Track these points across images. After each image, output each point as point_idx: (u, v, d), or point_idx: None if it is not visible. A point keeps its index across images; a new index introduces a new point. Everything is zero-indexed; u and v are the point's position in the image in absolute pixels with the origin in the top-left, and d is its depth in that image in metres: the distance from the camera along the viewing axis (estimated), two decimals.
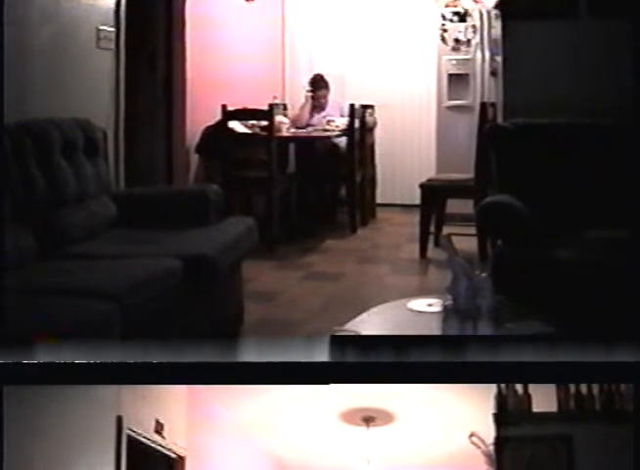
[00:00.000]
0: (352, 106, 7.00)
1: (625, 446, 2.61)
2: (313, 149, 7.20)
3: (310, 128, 7.35)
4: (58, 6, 4.39)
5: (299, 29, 8.55)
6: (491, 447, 3.09)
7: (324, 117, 7.48)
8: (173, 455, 3.15)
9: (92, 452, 2.62)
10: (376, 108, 7.80)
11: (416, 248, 5.96)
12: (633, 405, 2.79)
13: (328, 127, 7.19)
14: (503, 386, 3.00)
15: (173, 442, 3.13)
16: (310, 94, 7.63)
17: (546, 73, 4.69)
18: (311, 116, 7.56)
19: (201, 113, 6.30)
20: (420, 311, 3.04)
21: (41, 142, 3.79)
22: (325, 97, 7.61)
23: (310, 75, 7.88)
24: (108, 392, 2.69)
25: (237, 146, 6.37)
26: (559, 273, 3.62)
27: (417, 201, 6.17)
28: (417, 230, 5.99)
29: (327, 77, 7.70)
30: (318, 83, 7.64)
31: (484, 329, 2.81)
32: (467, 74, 7.69)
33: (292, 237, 6.59)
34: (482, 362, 2.49)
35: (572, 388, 2.98)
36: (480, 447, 3.22)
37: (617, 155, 4.18)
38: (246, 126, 6.49)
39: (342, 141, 7.11)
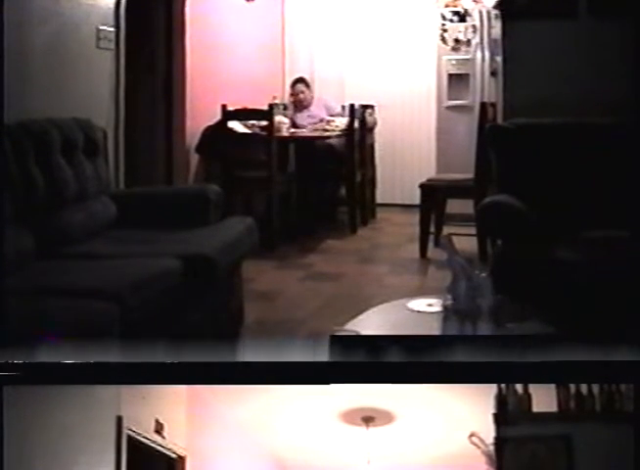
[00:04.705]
0: (352, 106, 7.00)
1: (625, 446, 2.61)
2: (313, 149, 7.20)
3: (305, 130, 7.36)
4: (58, 6, 4.39)
5: (299, 29, 8.55)
6: (491, 447, 3.09)
7: (309, 115, 7.51)
8: (173, 455, 3.15)
9: (92, 452, 2.62)
10: (376, 108, 7.80)
11: (416, 248, 5.96)
12: (633, 405, 2.79)
13: (328, 127, 7.19)
14: (503, 386, 3.00)
15: (173, 442, 3.13)
16: (290, 91, 7.72)
17: (546, 73, 4.69)
18: (294, 114, 7.59)
19: (201, 113, 6.30)
20: (420, 311, 3.04)
21: (41, 142, 3.79)
22: (303, 92, 7.66)
23: (309, 76, 7.94)
24: (108, 392, 2.69)
25: (237, 146, 6.37)
26: (559, 273, 3.61)
27: (417, 201, 6.16)
28: (417, 230, 5.99)
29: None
30: (296, 81, 7.78)
31: (484, 329, 2.81)
32: (467, 74, 7.70)
33: (292, 237, 6.59)
34: (482, 362, 2.49)
35: (572, 388, 2.98)
36: (480, 447, 3.22)
37: (618, 154, 4.18)
38: (246, 126, 6.49)
39: (339, 141, 7.12)
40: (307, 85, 7.75)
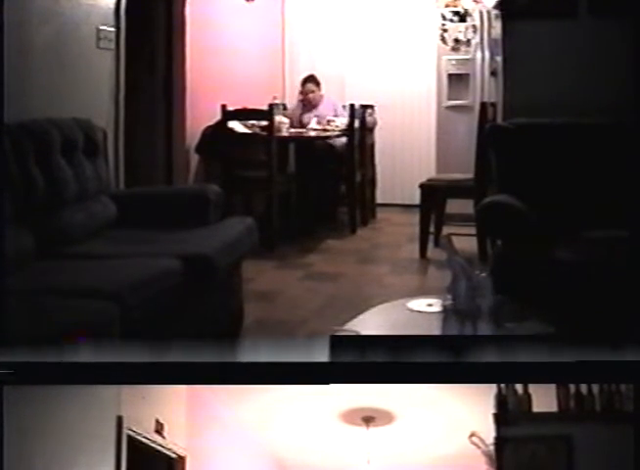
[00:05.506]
0: (352, 106, 7.00)
1: (625, 446, 2.61)
2: (313, 149, 7.19)
3: (310, 129, 7.35)
4: (58, 6, 4.39)
5: (299, 29, 8.55)
6: (491, 447, 3.09)
7: (316, 115, 7.49)
8: (173, 455, 3.15)
9: (92, 452, 2.62)
10: (376, 108, 7.80)
11: (416, 248, 5.96)
12: (633, 405, 2.79)
13: (328, 127, 7.19)
14: (503, 386, 3.00)
15: (173, 442, 3.13)
16: (299, 89, 7.68)
17: (546, 73, 4.69)
18: (302, 114, 7.57)
19: (201, 113, 6.30)
20: (420, 311, 3.04)
21: (41, 142, 3.79)
22: (313, 92, 7.62)
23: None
24: (108, 392, 2.69)
25: (237, 146, 6.37)
26: (559, 273, 3.61)
27: (417, 201, 6.16)
28: (417, 230, 5.99)
29: (321, 77, 7.72)
30: (306, 79, 7.69)
31: (484, 329, 2.81)
32: (467, 74, 7.70)
33: (292, 237, 6.59)
34: (482, 362, 2.49)
35: (572, 388, 2.98)
36: (480, 447, 3.22)
37: (618, 154, 4.18)
38: (246, 126, 6.49)
39: (338, 141, 7.11)
40: (317, 84, 7.66)
